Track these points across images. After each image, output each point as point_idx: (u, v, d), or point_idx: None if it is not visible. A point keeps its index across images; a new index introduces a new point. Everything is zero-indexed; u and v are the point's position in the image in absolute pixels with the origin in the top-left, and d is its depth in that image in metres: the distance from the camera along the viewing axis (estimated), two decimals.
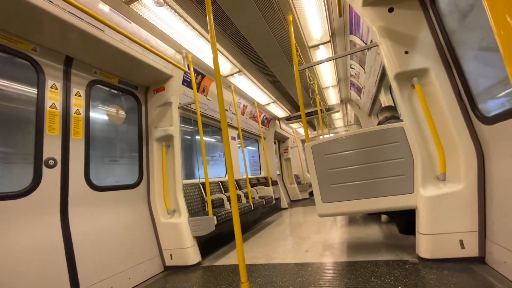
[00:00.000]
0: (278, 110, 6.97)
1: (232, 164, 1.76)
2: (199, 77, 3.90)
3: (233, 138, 5.66)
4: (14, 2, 1.80)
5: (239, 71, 4.25)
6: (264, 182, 6.30)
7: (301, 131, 9.97)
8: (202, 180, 3.95)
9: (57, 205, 2.22)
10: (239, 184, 5.20)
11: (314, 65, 2.92)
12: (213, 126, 5.36)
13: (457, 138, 1.98)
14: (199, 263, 2.91)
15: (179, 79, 3.37)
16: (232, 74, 4.32)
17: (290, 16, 2.83)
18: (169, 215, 3.05)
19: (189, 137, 5.11)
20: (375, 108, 5.99)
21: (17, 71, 2.23)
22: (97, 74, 2.76)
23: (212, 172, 5.87)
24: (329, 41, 3.72)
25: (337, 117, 9.57)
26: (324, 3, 2.91)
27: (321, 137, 4.82)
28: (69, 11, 2.06)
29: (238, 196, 4.32)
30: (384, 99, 4.72)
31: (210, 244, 3.42)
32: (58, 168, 2.26)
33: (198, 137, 4.88)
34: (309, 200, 7.99)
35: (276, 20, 3.11)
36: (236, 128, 5.59)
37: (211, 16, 1.86)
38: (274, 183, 6.30)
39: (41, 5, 1.89)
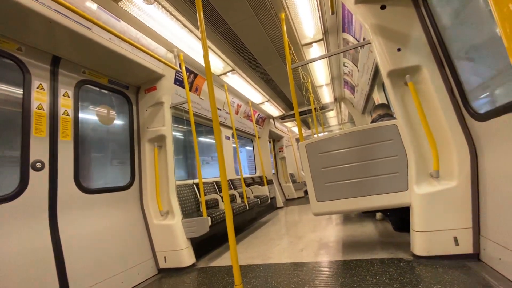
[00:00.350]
0: (273, 109, 6.94)
1: (224, 164, 1.73)
2: (191, 76, 3.85)
3: (227, 138, 5.62)
4: None
5: (232, 70, 4.21)
6: (259, 181, 6.28)
7: (296, 129, 9.98)
8: (196, 181, 3.91)
9: (46, 209, 2.15)
10: (234, 184, 5.16)
11: (307, 63, 2.90)
12: (207, 126, 5.31)
13: (450, 135, 1.98)
14: (193, 265, 2.87)
15: (171, 78, 3.32)
16: (225, 73, 4.27)
17: (282, 14, 2.80)
18: (162, 217, 3.00)
19: (186, 137, 5.05)
20: (368, 106, 6.01)
21: (1, 71, 2.15)
22: (86, 73, 2.69)
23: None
24: (322, 39, 3.70)
25: (331, 116, 9.60)
26: (317, 1, 2.89)
27: (315, 135, 4.81)
28: (55, 9, 1.99)
29: (233, 196, 4.29)
30: (378, 97, 4.73)
31: (204, 245, 3.38)
32: (46, 171, 2.20)
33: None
34: (305, 198, 8.00)
35: (268, 17, 3.08)
36: (230, 128, 5.55)
37: (201, 14, 1.82)
38: (269, 182, 6.28)
39: (26, 3, 1.82)
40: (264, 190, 5.25)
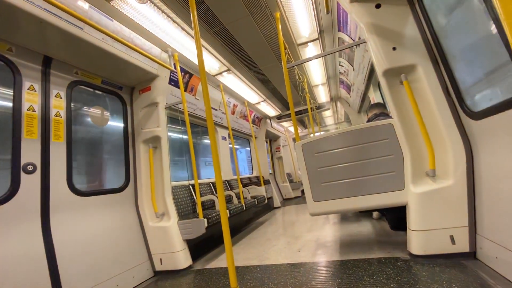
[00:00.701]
0: (269, 109, 6.93)
1: (219, 164, 1.71)
2: (186, 76, 3.82)
3: (224, 138, 5.59)
4: None
5: (228, 70, 4.19)
6: (256, 181, 6.26)
7: (293, 129, 9.98)
8: (192, 182, 3.88)
9: (38, 212, 2.11)
10: (230, 184, 5.14)
11: (303, 63, 2.88)
12: (203, 126, 5.28)
13: (445, 133, 1.98)
14: (190, 267, 2.84)
15: (166, 78, 3.28)
16: (220, 73, 4.24)
17: (277, 13, 2.78)
18: (158, 219, 2.97)
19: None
20: (364, 105, 6.03)
21: None
22: (78, 74, 2.64)
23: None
24: (318, 39, 3.69)
25: (328, 115, 9.62)
26: (312, 0, 2.88)
27: (311, 135, 4.81)
28: (45, 9, 1.95)
29: (230, 197, 4.26)
30: (373, 96, 4.74)
31: (201, 247, 3.35)
32: (37, 173, 2.16)
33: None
34: (302, 198, 8.00)
35: (263, 17, 3.06)
36: (227, 128, 5.52)
37: (195, 13, 1.80)
38: (266, 182, 6.26)
39: (15, 2, 1.78)
40: (261, 190, 5.23)
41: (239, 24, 3.12)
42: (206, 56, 3.62)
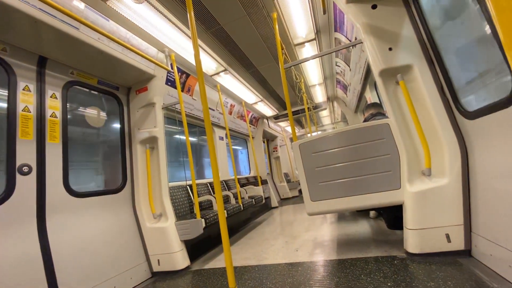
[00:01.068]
0: (266, 109, 6.94)
1: (217, 164, 1.71)
2: (183, 76, 3.81)
3: (221, 138, 5.58)
4: None
5: (225, 70, 4.18)
6: (254, 181, 6.26)
7: (290, 129, 9.99)
8: (190, 182, 3.87)
9: (34, 214, 2.09)
10: (228, 185, 5.13)
11: (300, 63, 2.90)
12: (201, 127, 5.27)
13: (441, 133, 2.01)
14: (188, 267, 2.83)
15: (163, 78, 3.27)
16: (218, 73, 4.24)
17: (274, 14, 2.79)
18: (156, 220, 2.96)
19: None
20: (361, 105, 6.06)
21: None
22: (74, 74, 2.63)
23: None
24: (314, 39, 3.71)
25: (325, 115, 9.66)
26: (308, 0, 2.89)
27: (308, 135, 4.82)
28: (40, 8, 1.93)
29: (227, 197, 4.26)
30: (370, 96, 4.77)
31: (199, 247, 3.34)
32: (33, 175, 2.14)
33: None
34: (299, 197, 8.01)
35: (260, 17, 3.07)
36: (224, 128, 5.52)
37: (192, 13, 1.79)
38: (264, 182, 6.27)
39: (9, 2, 1.76)
40: (258, 190, 5.23)
41: (236, 24, 3.12)
42: (203, 56, 3.62)
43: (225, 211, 3.39)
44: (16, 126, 2.08)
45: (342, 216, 4.01)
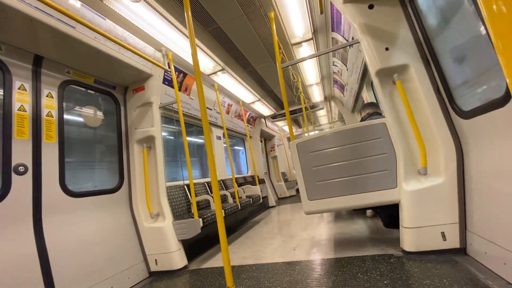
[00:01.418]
0: (264, 108, 6.94)
1: (215, 164, 1.71)
2: (180, 75, 3.80)
3: (219, 138, 5.58)
4: None
5: (222, 69, 4.18)
6: (251, 181, 6.27)
7: (287, 128, 10.01)
8: (187, 182, 3.86)
9: (30, 214, 2.08)
10: (225, 184, 5.14)
11: (297, 63, 2.90)
12: (198, 126, 5.26)
13: (437, 132, 2.03)
14: (185, 267, 2.83)
15: (160, 78, 3.26)
16: (215, 72, 4.23)
17: (271, 13, 2.79)
18: (153, 219, 2.95)
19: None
20: (358, 105, 6.09)
21: None
22: (70, 73, 2.61)
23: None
24: (312, 39, 3.72)
25: (322, 114, 9.68)
26: (306, 0, 2.89)
27: (306, 134, 4.84)
28: (36, 7, 1.92)
29: (225, 196, 4.26)
30: (367, 96, 4.80)
31: (196, 247, 3.34)
32: (29, 174, 2.12)
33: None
34: (297, 197, 8.04)
35: (258, 17, 3.07)
36: (221, 128, 5.51)
37: (189, 13, 1.79)
38: (261, 181, 6.28)
39: (5, 0, 1.75)
40: (256, 190, 5.24)
41: (234, 24, 3.12)
42: (200, 55, 3.61)
43: (223, 210, 3.39)
44: (11, 126, 2.06)
45: (339, 216, 4.03)
